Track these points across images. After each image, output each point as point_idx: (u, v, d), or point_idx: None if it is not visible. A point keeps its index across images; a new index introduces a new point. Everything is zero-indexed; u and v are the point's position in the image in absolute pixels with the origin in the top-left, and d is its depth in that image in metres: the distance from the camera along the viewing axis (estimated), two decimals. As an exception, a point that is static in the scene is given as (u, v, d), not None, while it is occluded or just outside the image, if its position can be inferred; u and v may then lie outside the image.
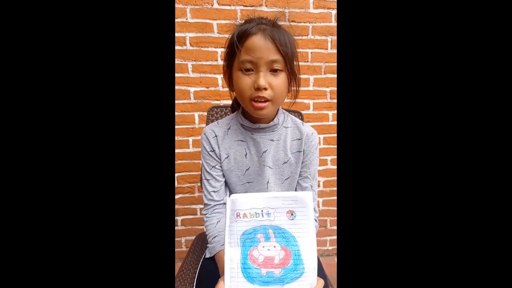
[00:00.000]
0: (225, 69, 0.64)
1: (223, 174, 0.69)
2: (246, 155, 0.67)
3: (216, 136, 0.67)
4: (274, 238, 0.48)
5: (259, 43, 0.54)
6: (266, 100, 0.58)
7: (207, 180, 0.68)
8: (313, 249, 0.48)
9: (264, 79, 0.55)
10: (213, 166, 0.68)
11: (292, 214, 0.48)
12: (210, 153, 0.67)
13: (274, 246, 0.48)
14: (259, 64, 0.55)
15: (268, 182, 0.67)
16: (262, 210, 0.48)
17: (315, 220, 0.67)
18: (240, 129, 0.67)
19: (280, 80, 0.57)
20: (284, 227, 0.48)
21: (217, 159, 0.67)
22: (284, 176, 0.67)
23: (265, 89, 0.56)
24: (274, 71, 0.56)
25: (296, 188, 0.70)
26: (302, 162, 0.68)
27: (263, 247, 0.48)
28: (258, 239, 0.48)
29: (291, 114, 0.78)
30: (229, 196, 0.49)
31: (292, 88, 0.63)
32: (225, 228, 0.49)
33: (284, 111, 0.69)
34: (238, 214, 0.48)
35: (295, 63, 0.60)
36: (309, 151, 0.67)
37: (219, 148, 0.67)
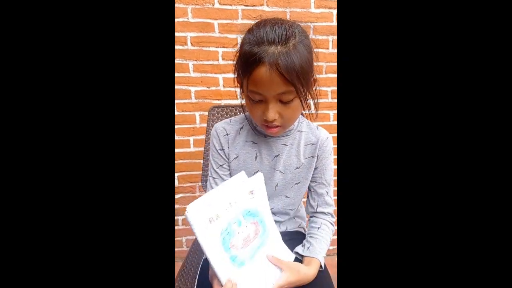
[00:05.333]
0: (237, 77, 0.59)
1: (230, 173, 0.67)
2: (256, 158, 0.65)
3: (227, 134, 0.66)
4: (243, 219, 0.54)
5: (265, 76, 0.48)
6: (277, 126, 0.56)
7: (213, 178, 0.67)
8: (271, 219, 0.59)
9: (272, 111, 0.52)
10: (220, 165, 0.66)
11: (251, 193, 0.56)
12: (219, 151, 0.66)
13: (246, 226, 0.54)
14: (267, 97, 0.51)
15: (276, 186, 0.65)
16: (230, 203, 0.52)
17: (332, 224, 0.67)
18: (253, 130, 0.65)
19: (291, 108, 0.54)
20: (247, 205, 0.55)
21: (225, 158, 0.66)
22: (295, 181, 0.66)
23: (275, 119, 0.54)
24: (284, 101, 0.52)
25: (311, 195, 0.68)
26: (316, 168, 0.66)
27: (238, 233, 0.52)
28: (234, 229, 0.52)
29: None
30: (187, 214, 0.47)
31: (307, 112, 0.59)
32: (201, 243, 0.48)
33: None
34: (211, 219, 0.49)
35: (313, 87, 0.55)
36: (323, 156, 0.65)
37: (228, 148, 0.66)
